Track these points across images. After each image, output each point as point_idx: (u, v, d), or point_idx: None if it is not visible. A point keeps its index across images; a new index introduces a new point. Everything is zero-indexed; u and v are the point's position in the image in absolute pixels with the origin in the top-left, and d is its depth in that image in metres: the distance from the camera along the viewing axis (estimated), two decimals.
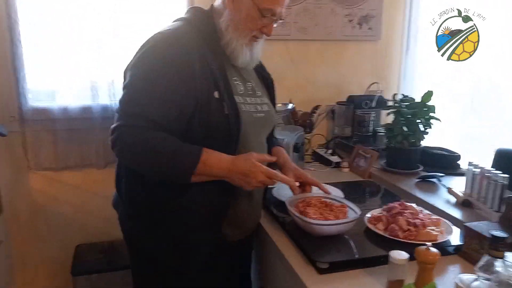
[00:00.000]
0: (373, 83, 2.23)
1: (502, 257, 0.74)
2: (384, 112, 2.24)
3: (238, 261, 1.34)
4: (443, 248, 1.12)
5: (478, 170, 1.39)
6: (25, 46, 1.82)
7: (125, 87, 1.09)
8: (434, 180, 1.66)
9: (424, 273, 0.93)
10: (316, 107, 2.09)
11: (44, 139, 1.91)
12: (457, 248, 1.14)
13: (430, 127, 1.73)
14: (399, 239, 1.13)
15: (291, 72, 2.21)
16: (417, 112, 1.71)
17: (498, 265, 0.72)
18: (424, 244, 0.95)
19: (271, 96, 1.36)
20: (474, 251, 1.09)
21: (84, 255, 1.96)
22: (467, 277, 0.88)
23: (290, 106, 1.82)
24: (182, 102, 1.05)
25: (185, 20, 1.16)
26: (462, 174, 1.60)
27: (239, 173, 1.07)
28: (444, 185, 1.58)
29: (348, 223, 1.16)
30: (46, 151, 1.92)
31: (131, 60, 1.11)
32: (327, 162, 1.99)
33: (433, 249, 0.93)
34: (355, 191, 1.65)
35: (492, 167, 1.39)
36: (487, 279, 0.76)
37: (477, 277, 0.82)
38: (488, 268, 0.76)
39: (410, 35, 2.32)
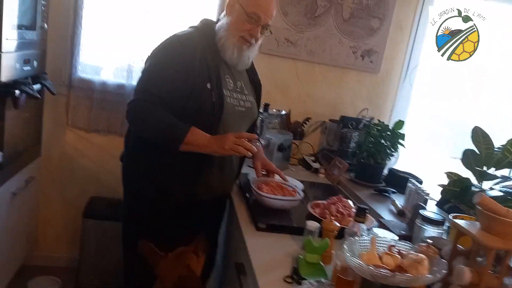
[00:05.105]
0: (364, 109, 2.53)
1: (363, 222, 1.06)
2: None
3: (208, 217, 1.68)
4: None
5: (414, 187, 1.69)
6: (84, 28, 2.27)
7: (143, 72, 1.48)
8: (387, 194, 1.96)
9: (325, 236, 1.26)
10: (308, 119, 2.44)
11: (83, 104, 2.35)
12: None
13: (396, 151, 2.03)
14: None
15: (296, 86, 2.56)
16: (384, 136, 2.02)
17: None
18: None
19: (257, 98, 1.71)
20: None
21: (96, 205, 2.37)
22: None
23: (283, 112, 2.17)
24: (183, 86, 1.43)
25: (195, 27, 1.56)
26: None
27: (215, 138, 1.39)
28: (392, 198, 1.88)
29: (290, 201, 1.50)
30: (82, 114, 2.37)
31: (151, 52, 1.51)
32: (308, 167, 2.32)
33: (336, 223, 1.26)
34: (317, 190, 1.98)
35: None
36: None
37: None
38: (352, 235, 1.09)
39: (407, 73, 2.61)
